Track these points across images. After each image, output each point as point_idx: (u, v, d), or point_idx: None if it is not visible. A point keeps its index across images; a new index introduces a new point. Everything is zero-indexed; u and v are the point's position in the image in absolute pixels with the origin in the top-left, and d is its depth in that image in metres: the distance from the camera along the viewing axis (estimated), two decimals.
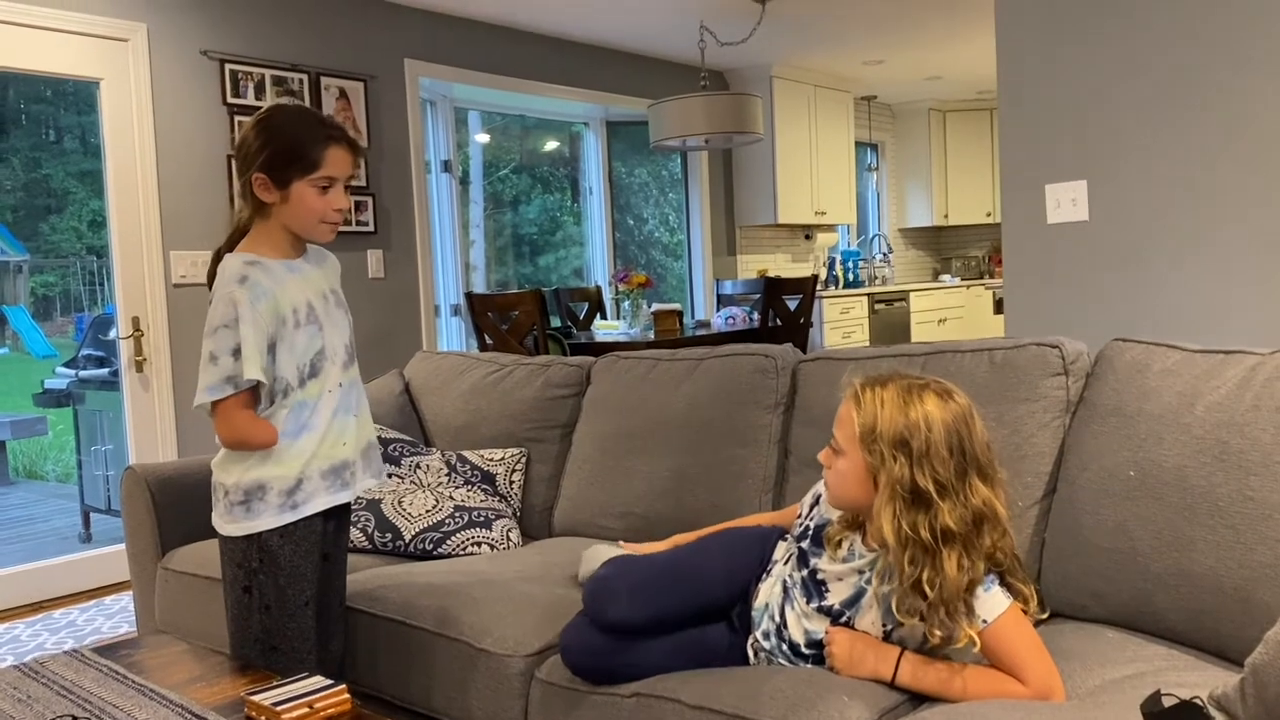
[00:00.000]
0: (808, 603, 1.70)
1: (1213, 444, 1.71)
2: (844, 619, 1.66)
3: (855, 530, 1.69)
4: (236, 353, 1.83)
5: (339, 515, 2.08)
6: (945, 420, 1.55)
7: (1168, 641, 1.74)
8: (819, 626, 1.69)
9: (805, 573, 1.73)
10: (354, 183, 5.09)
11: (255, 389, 1.88)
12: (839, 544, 1.69)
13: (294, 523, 1.91)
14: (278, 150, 1.89)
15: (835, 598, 1.67)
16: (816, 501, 1.81)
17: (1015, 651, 1.53)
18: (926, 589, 1.50)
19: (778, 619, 1.74)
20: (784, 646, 1.73)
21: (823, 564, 1.71)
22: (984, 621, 1.53)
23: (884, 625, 1.63)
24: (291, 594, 1.93)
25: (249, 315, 1.83)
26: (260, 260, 1.91)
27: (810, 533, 1.76)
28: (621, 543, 2.20)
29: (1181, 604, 1.70)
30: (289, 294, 1.91)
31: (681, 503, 2.51)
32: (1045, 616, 1.68)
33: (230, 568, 1.94)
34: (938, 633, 1.52)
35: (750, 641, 1.79)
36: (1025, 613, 1.56)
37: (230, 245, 1.98)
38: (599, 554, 2.15)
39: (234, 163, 1.99)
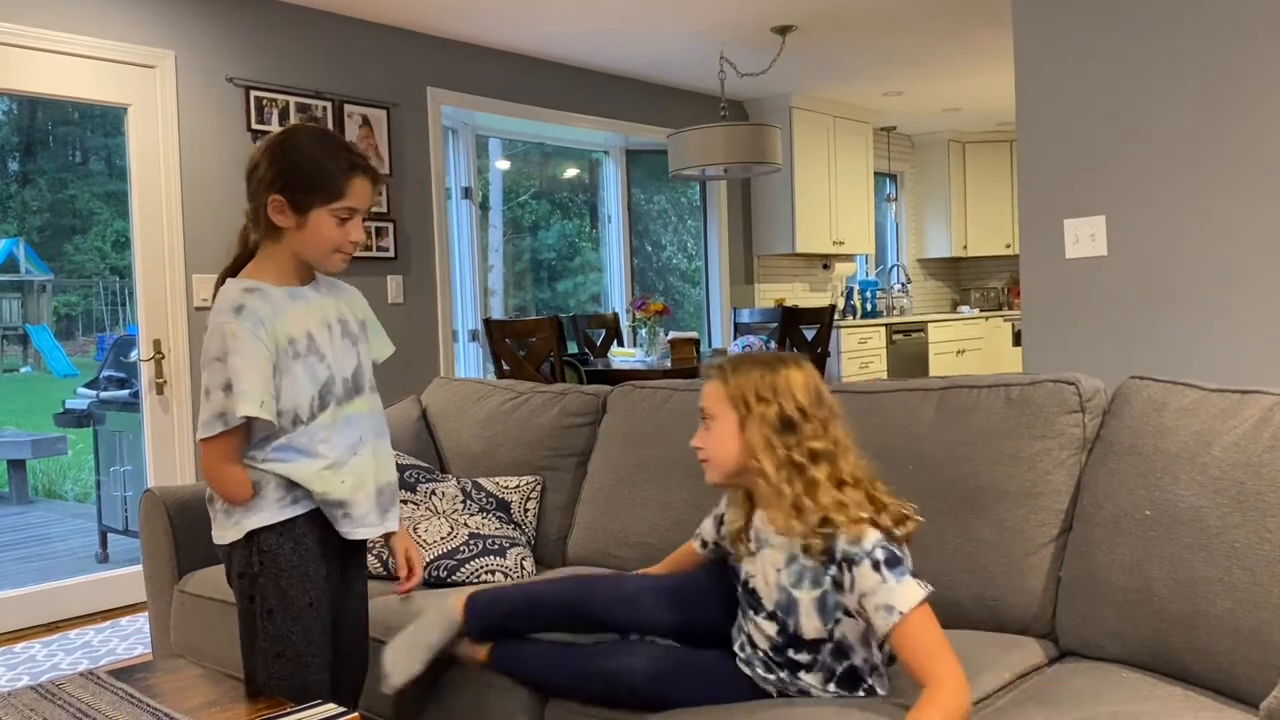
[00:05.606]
0: (755, 614, 1.78)
1: (1229, 484, 1.70)
2: (789, 627, 1.72)
3: (749, 516, 1.79)
4: (228, 388, 1.76)
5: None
6: (804, 376, 1.76)
7: (1185, 684, 1.72)
8: (772, 631, 1.75)
9: (740, 586, 1.82)
10: (375, 209, 5.12)
11: (245, 429, 1.82)
12: (743, 539, 1.80)
13: (293, 519, 1.86)
14: (299, 174, 1.82)
15: (768, 600, 1.75)
16: (721, 522, 1.92)
17: (928, 645, 1.56)
18: (806, 502, 1.65)
19: (746, 630, 1.82)
20: (759, 654, 1.78)
21: (746, 568, 1.79)
22: (899, 613, 1.56)
23: (826, 625, 1.69)
24: (294, 595, 1.86)
25: (242, 347, 1.77)
26: (261, 286, 1.85)
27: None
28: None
29: (1198, 645, 1.69)
30: (287, 323, 1.84)
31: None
32: (917, 520, 1.72)
33: (234, 580, 1.90)
34: (817, 541, 1.64)
35: (737, 659, 1.84)
36: (907, 519, 1.67)
37: (234, 270, 1.91)
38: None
39: (246, 183, 1.86)
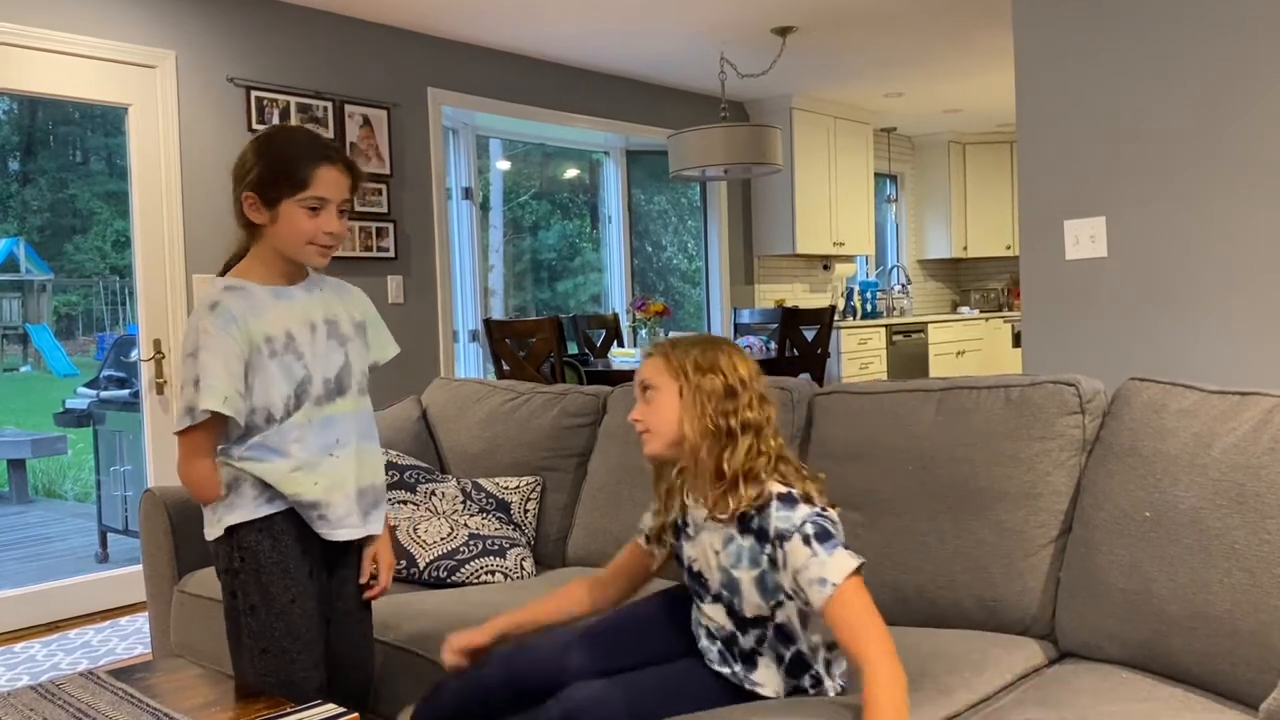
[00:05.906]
0: (703, 600, 1.81)
1: (1229, 486, 1.71)
2: (734, 606, 1.75)
3: (683, 500, 1.83)
4: (196, 383, 1.78)
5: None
6: (743, 356, 1.81)
7: (1184, 685, 1.73)
8: (719, 616, 1.78)
9: (686, 573, 1.85)
10: (375, 209, 5.12)
11: (218, 425, 1.83)
12: (663, 535, 1.88)
13: (271, 516, 1.86)
14: (267, 169, 1.84)
15: (713, 583, 1.78)
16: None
17: (859, 618, 1.57)
18: (725, 468, 1.70)
19: (702, 622, 1.84)
20: (715, 645, 1.81)
21: (688, 553, 1.83)
22: (832, 585, 1.58)
23: (768, 604, 1.71)
24: (276, 591, 1.86)
25: (213, 343, 1.78)
26: (243, 285, 1.87)
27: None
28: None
29: (1197, 647, 1.69)
30: (265, 322, 1.84)
31: None
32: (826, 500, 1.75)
33: (219, 576, 1.92)
34: (731, 502, 1.70)
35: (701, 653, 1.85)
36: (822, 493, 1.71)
37: (225, 271, 1.94)
38: None
39: (232, 182, 1.91)
